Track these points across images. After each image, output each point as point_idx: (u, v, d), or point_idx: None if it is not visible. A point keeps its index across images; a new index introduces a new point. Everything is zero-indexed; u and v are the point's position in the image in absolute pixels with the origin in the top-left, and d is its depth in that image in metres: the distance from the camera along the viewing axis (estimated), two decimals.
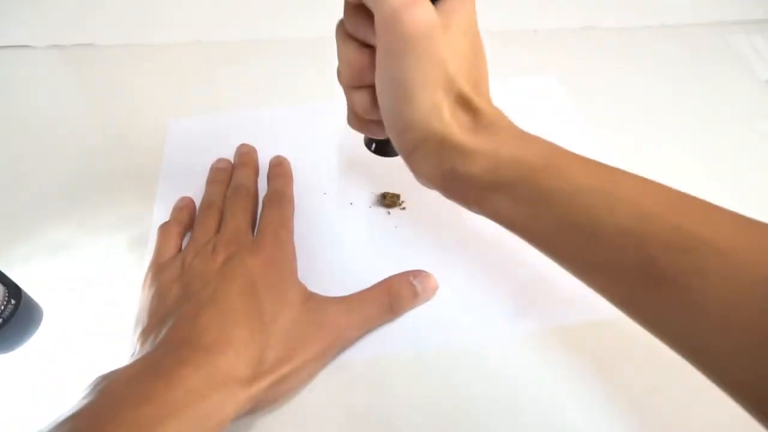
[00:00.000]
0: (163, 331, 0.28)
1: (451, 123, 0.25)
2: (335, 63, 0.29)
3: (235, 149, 0.43)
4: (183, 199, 0.39)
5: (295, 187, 0.41)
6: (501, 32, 0.56)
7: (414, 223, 0.39)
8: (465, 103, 0.25)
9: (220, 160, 0.41)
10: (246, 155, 0.42)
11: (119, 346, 0.31)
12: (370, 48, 0.26)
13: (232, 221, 0.35)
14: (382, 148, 0.33)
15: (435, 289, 0.35)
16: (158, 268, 0.34)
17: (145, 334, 0.29)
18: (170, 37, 0.55)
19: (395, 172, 0.42)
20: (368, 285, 0.34)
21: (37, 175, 0.43)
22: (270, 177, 0.41)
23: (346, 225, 0.39)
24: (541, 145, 0.25)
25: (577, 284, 0.36)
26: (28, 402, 0.31)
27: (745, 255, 0.20)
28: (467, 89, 0.25)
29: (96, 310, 0.34)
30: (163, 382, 0.24)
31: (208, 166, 0.41)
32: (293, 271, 0.34)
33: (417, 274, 0.35)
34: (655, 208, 0.22)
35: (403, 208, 0.40)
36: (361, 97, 0.28)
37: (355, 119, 0.30)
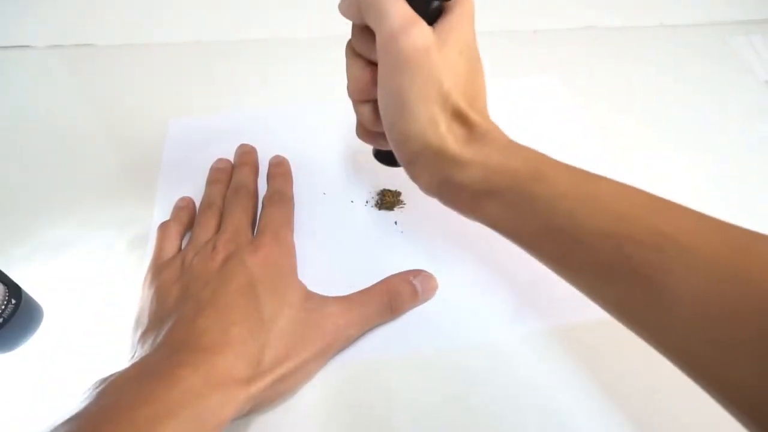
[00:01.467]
0: (163, 332, 0.28)
1: (447, 135, 0.27)
2: (335, 63, 0.29)
3: (234, 149, 0.43)
4: (183, 199, 0.39)
5: (294, 186, 0.41)
6: (501, 32, 0.56)
7: (414, 222, 0.39)
8: (460, 117, 0.27)
9: (219, 160, 0.42)
10: (246, 155, 0.42)
11: (119, 346, 0.31)
12: (374, 65, 0.28)
13: (231, 221, 0.35)
14: (387, 158, 0.35)
15: (435, 288, 0.35)
16: (158, 269, 0.34)
17: (145, 335, 0.29)
18: (170, 36, 0.55)
19: (395, 171, 0.42)
20: (368, 284, 0.34)
21: (37, 175, 0.43)
22: (270, 177, 0.41)
23: (346, 224, 0.39)
24: (528, 154, 0.27)
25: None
26: (28, 401, 0.31)
27: (709, 252, 0.21)
28: (462, 104, 0.27)
29: (96, 310, 0.34)
30: (161, 384, 0.24)
31: (209, 166, 0.41)
32: (293, 270, 0.34)
33: (417, 273, 0.35)
34: (631, 210, 0.23)
35: (403, 207, 0.40)
36: (366, 111, 0.31)
37: (362, 131, 0.33)
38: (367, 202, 0.40)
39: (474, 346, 0.33)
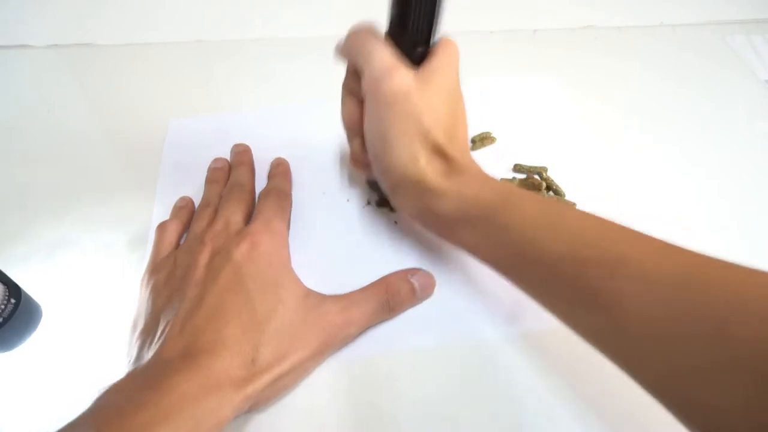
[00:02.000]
0: (157, 335, 0.28)
1: (426, 169, 0.30)
2: (334, 62, 0.29)
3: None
4: (183, 198, 0.39)
5: (294, 186, 0.41)
6: (501, 32, 0.56)
7: (412, 221, 0.39)
8: (439, 152, 0.30)
9: (217, 160, 0.41)
10: (241, 154, 0.42)
11: (118, 346, 0.31)
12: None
13: (223, 214, 0.34)
14: (377, 186, 0.38)
15: (433, 287, 0.35)
16: (154, 268, 0.33)
17: (142, 336, 0.29)
18: (170, 36, 0.55)
19: None
20: (366, 283, 0.34)
21: (37, 175, 0.43)
22: (269, 176, 0.41)
23: (345, 223, 0.39)
24: (499, 187, 0.29)
25: None
26: (27, 401, 0.31)
27: (662, 276, 0.22)
28: (442, 140, 0.30)
29: (95, 310, 0.34)
30: (156, 390, 0.24)
31: (208, 166, 0.41)
32: (285, 261, 0.33)
33: (415, 272, 0.35)
34: (593, 237, 0.25)
35: None
36: (356, 143, 0.34)
37: (353, 161, 0.36)
38: (369, 202, 0.40)
39: (472, 344, 0.33)
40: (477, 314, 0.34)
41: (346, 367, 0.32)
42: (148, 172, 0.42)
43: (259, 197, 0.38)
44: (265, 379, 0.27)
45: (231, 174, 0.40)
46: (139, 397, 0.24)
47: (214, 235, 0.32)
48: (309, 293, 0.32)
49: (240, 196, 0.36)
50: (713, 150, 0.46)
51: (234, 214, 0.34)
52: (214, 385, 0.25)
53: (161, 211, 0.39)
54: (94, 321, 0.34)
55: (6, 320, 0.31)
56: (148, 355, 0.27)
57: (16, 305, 0.31)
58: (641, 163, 0.44)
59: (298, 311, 0.30)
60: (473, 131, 0.45)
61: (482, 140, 0.44)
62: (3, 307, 0.31)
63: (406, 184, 0.30)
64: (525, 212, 0.27)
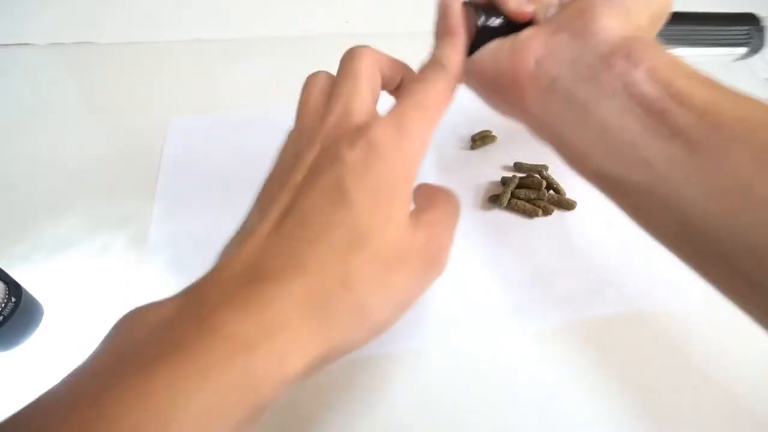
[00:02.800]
0: (236, 241, 0.22)
1: None
2: (335, 60, 0.29)
3: (235, 148, 0.42)
4: None
5: None
6: None
7: None
8: None
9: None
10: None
11: None
12: None
13: (339, 99, 0.24)
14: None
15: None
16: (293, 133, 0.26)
17: (258, 205, 0.23)
18: (170, 35, 0.55)
19: None
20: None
21: (37, 174, 0.43)
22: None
23: None
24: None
25: (576, 284, 0.36)
26: (27, 400, 0.31)
27: None
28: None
29: (95, 308, 0.35)
30: (195, 332, 0.17)
31: (209, 165, 0.41)
32: (410, 175, 0.23)
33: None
34: None
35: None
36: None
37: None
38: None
39: (473, 343, 0.33)
40: (478, 313, 0.34)
41: (345, 367, 0.32)
42: (148, 171, 0.42)
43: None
44: (355, 311, 0.20)
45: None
46: (173, 337, 0.17)
47: (330, 128, 0.23)
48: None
49: (366, 72, 0.25)
50: None
51: (354, 99, 0.24)
52: (279, 327, 0.18)
53: (161, 210, 0.39)
54: (95, 319, 0.34)
55: (6, 318, 0.31)
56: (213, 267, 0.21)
57: (17, 304, 0.32)
58: None
59: (408, 229, 0.22)
60: (473, 130, 0.45)
61: (482, 139, 0.44)
62: (3, 305, 0.31)
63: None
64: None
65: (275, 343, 0.17)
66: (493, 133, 0.45)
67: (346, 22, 0.53)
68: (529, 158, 0.43)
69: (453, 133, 0.46)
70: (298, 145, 0.24)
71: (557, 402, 0.31)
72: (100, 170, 0.43)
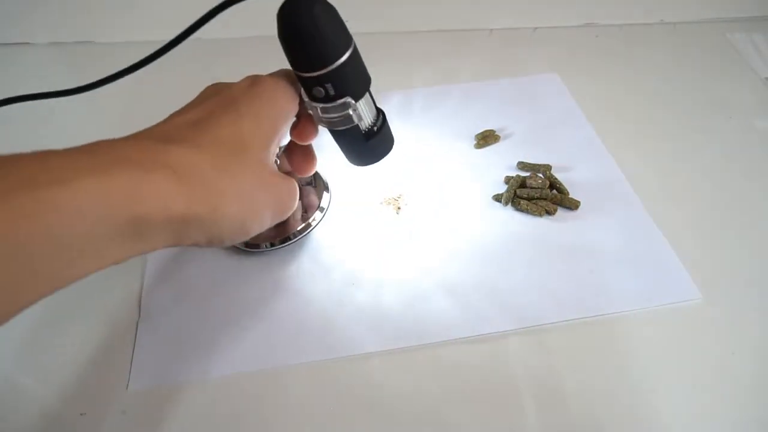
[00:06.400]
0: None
1: None
2: None
3: None
4: None
5: None
6: (501, 30, 0.56)
7: (412, 221, 0.39)
8: None
9: None
10: None
11: (119, 344, 0.31)
12: None
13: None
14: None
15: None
16: None
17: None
18: (170, 34, 0.55)
19: (398, 171, 0.42)
20: (368, 281, 0.34)
21: None
22: None
23: (346, 222, 0.39)
24: None
25: (575, 283, 0.36)
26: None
27: None
28: None
29: (97, 308, 0.34)
30: (106, 149, 0.23)
31: None
32: (282, 107, 0.31)
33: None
34: None
35: (399, 208, 0.40)
36: None
37: None
38: (371, 202, 0.40)
39: (472, 343, 0.33)
40: (477, 313, 0.34)
41: (342, 365, 0.32)
42: None
43: None
44: (216, 193, 0.25)
45: None
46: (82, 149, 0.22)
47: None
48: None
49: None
50: (713, 147, 0.46)
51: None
52: (159, 166, 0.23)
53: None
54: (96, 319, 0.34)
55: (379, 130, 0.33)
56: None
57: (383, 122, 0.34)
58: (642, 160, 0.44)
59: (273, 166, 0.30)
60: (478, 129, 0.45)
61: (486, 138, 0.44)
62: (375, 120, 0.33)
63: None
64: None
65: (158, 178, 0.22)
66: (496, 133, 0.45)
67: (346, 21, 0.53)
68: (533, 158, 0.43)
69: (457, 132, 0.46)
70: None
71: (557, 402, 0.31)
72: None
